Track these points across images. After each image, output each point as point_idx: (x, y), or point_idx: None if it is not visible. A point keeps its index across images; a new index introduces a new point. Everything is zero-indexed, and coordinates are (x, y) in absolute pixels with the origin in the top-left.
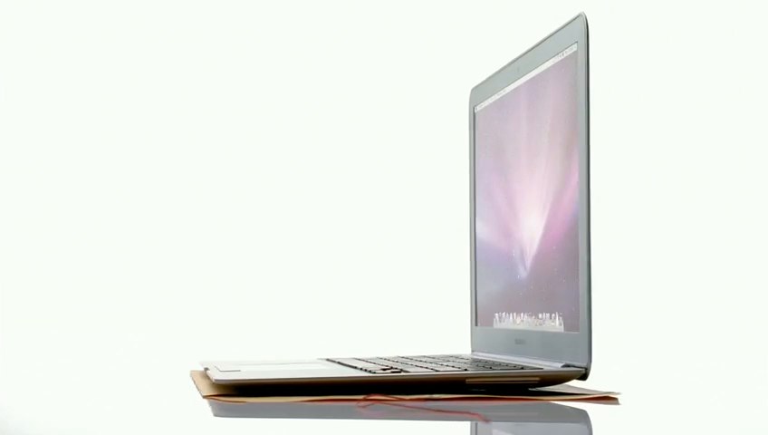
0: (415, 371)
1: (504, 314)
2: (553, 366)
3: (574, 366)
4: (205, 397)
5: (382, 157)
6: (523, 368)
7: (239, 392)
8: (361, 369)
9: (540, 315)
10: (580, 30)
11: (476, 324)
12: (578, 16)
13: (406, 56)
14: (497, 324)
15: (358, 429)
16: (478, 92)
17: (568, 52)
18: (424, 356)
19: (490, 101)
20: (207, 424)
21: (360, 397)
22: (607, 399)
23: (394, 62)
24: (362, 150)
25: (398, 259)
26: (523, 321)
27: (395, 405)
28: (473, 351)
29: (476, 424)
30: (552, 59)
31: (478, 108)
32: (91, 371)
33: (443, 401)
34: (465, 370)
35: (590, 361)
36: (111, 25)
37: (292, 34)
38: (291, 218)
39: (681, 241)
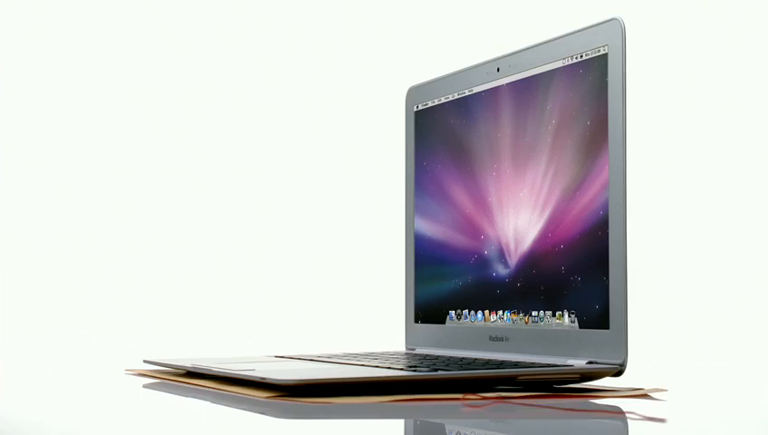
0: (461, 371)
1: (463, 311)
2: (579, 363)
3: (601, 363)
4: (268, 398)
5: (328, 155)
6: (565, 365)
7: (294, 393)
8: (397, 368)
9: (534, 313)
10: (612, 32)
11: (417, 322)
12: (611, 19)
13: (348, 56)
14: (452, 322)
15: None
16: (420, 92)
17: (591, 54)
18: (382, 353)
19: (443, 100)
20: (319, 427)
21: (461, 396)
22: (643, 396)
23: (335, 62)
24: (312, 151)
25: (326, 257)
26: (501, 318)
27: (507, 403)
28: (408, 348)
29: (627, 423)
30: (560, 61)
31: (420, 106)
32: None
33: (521, 398)
34: (515, 366)
35: (627, 357)
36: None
37: (231, 30)
38: (222, 216)
39: (700, 242)
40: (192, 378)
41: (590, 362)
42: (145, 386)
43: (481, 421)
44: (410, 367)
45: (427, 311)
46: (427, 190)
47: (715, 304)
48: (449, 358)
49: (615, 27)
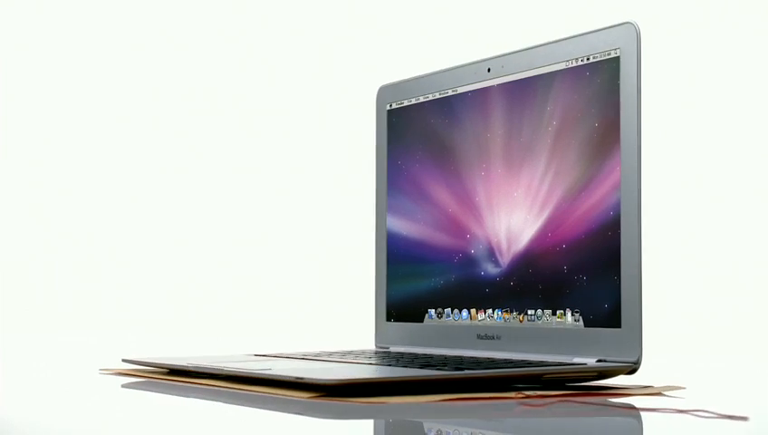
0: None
1: (444, 309)
2: (590, 361)
3: (614, 361)
4: (311, 398)
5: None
6: (580, 364)
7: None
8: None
9: (531, 311)
10: (623, 36)
11: (390, 320)
12: (625, 23)
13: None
14: (432, 320)
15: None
16: (393, 91)
17: (600, 56)
18: (362, 351)
19: (422, 99)
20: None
21: (514, 394)
22: (656, 393)
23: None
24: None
25: (293, 257)
26: (490, 317)
27: (565, 401)
28: (379, 346)
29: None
30: (564, 63)
31: (394, 105)
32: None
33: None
34: (541, 365)
35: (641, 355)
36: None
37: (193, 26)
38: (191, 214)
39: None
40: (179, 376)
41: (600, 361)
42: (139, 386)
43: (546, 420)
44: (429, 366)
45: (401, 309)
46: (403, 189)
47: (724, 303)
48: (445, 356)
49: (629, 31)
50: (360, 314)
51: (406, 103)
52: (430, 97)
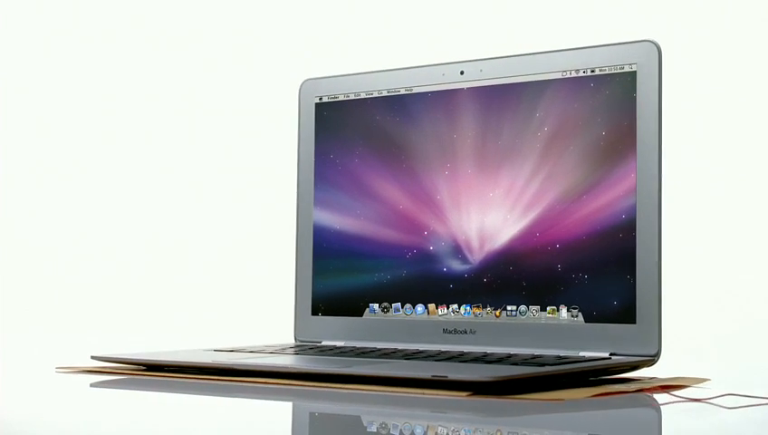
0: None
1: (392, 304)
2: (600, 355)
3: (628, 355)
4: (468, 397)
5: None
6: (608, 357)
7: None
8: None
9: (510, 308)
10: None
11: (317, 314)
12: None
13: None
14: (375, 315)
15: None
16: (322, 85)
17: (609, 70)
18: (298, 344)
19: (364, 95)
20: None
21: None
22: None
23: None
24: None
25: (207, 253)
26: (456, 312)
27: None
28: (301, 340)
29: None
30: (560, 73)
31: (326, 99)
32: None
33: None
34: (584, 361)
35: (661, 349)
36: None
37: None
38: (107, 211)
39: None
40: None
41: (613, 354)
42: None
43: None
44: (480, 360)
45: (331, 303)
46: (337, 184)
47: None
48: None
49: (648, 48)
50: (272, 309)
51: (342, 98)
52: (375, 94)
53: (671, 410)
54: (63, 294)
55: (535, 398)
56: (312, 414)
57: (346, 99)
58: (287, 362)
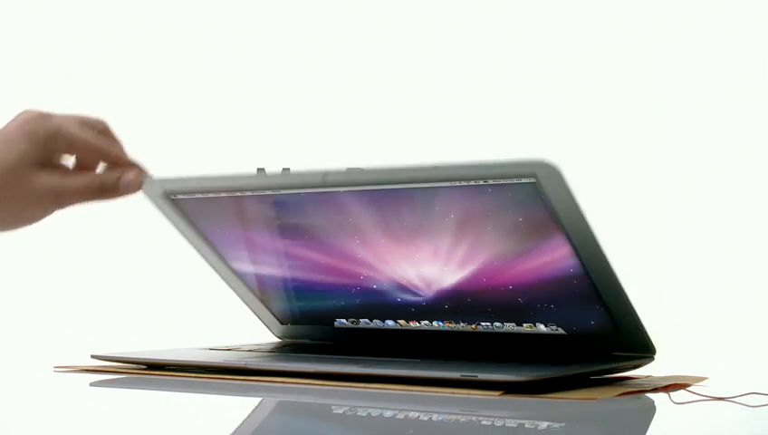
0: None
1: (361, 319)
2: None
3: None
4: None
5: None
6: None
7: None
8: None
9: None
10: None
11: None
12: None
13: None
14: (345, 324)
15: None
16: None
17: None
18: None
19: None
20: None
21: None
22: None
23: None
24: None
25: None
26: (429, 325)
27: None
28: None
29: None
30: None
31: (180, 196)
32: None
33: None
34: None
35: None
36: None
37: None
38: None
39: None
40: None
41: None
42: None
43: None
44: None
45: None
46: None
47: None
48: None
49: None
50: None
51: (199, 196)
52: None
53: (698, 408)
54: (63, 293)
55: (568, 397)
56: (333, 413)
57: (203, 197)
58: (305, 363)
